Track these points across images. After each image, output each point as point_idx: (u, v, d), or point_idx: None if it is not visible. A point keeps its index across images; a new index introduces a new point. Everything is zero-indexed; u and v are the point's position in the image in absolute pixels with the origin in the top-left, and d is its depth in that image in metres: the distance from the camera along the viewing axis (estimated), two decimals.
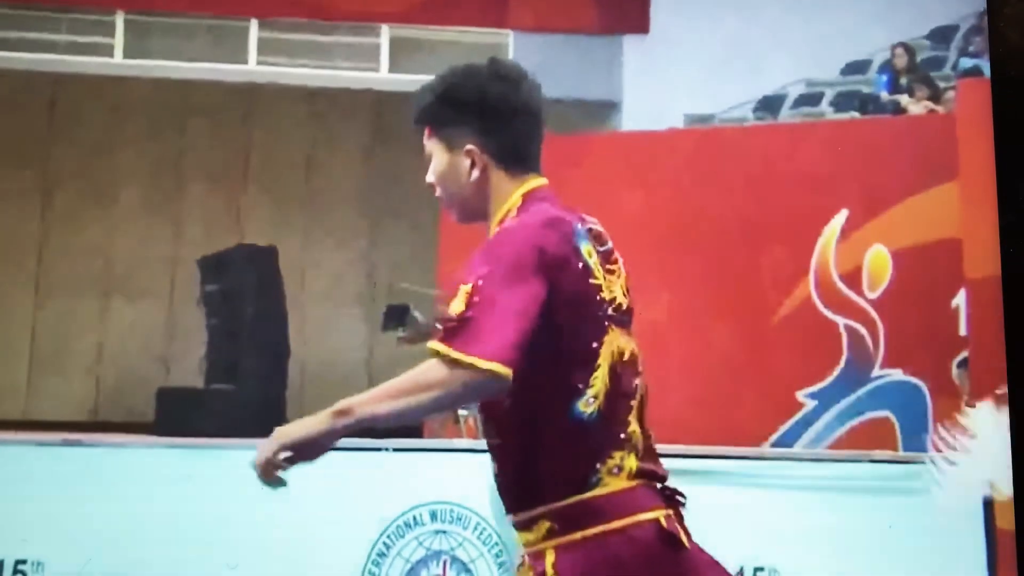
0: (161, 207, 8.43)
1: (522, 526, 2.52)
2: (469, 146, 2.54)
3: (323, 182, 8.63)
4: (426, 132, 2.59)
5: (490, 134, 2.54)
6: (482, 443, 2.61)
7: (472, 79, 2.57)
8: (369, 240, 8.57)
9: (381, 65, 7.50)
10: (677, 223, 6.71)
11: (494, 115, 2.55)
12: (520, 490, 2.52)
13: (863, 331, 6.54)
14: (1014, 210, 4.80)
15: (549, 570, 2.45)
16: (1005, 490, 4.86)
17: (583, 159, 6.83)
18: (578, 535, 2.47)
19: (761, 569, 4.95)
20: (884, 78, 7.19)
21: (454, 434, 6.09)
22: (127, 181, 8.36)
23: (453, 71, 2.60)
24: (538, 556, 2.48)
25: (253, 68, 7.48)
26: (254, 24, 7.42)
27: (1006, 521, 4.96)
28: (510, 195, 2.56)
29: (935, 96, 6.98)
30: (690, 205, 6.76)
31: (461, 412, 6.00)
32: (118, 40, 7.33)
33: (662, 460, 5.06)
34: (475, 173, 2.55)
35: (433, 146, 2.58)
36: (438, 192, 2.59)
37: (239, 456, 4.65)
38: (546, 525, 2.50)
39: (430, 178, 2.60)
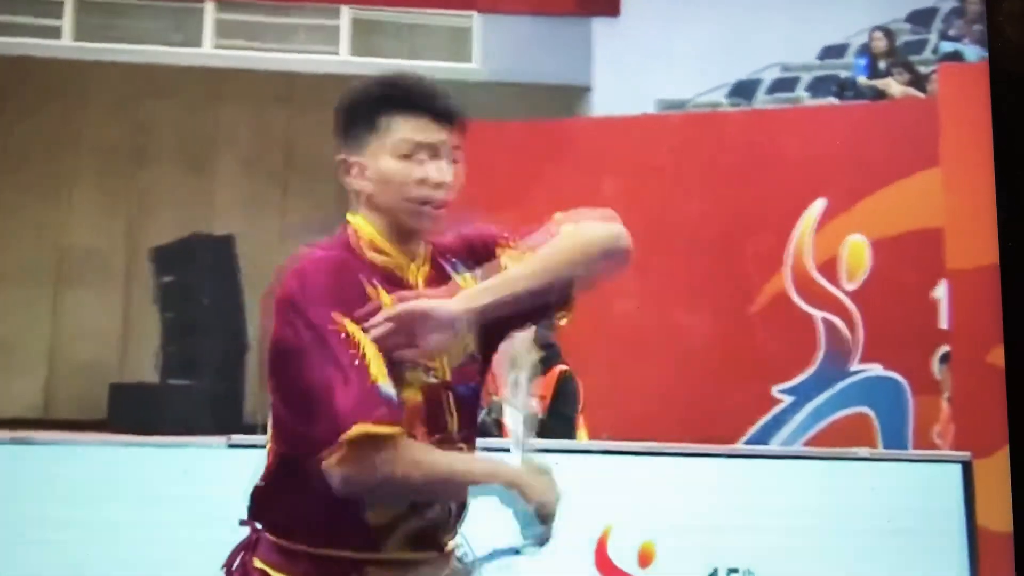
0: (118, 194, 8.26)
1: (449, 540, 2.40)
2: None
3: (291, 168, 8.47)
4: (454, 133, 2.33)
5: None
6: None
7: None
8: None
9: (342, 48, 7.35)
10: (649, 212, 6.56)
11: None
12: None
13: (840, 324, 6.44)
14: (1013, 205, 4.74)
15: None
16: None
17: (554, 146, 6.74)
18: None
19: (735, 570, 4.83)
20: (862, 62, 7.07)
21: None
22: (82, 167, 8.19)
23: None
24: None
25: (210, 51, 7.33)
26: (210, 5, 7.25)
27: (989, 520, 4.87)
28: None
29: (915, 81, 6.89)
30: (662, 193, 6.65)
31: None
32: (67, 22, 7.19)
33: (633, 457, 4.97)
34: None
35: (457, 148, 2.35)
36: (448, 194, 2.33)
37: (195, 453, 4.58)
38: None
39: (452, 179, 2.34)
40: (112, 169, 8.23)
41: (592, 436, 5.75)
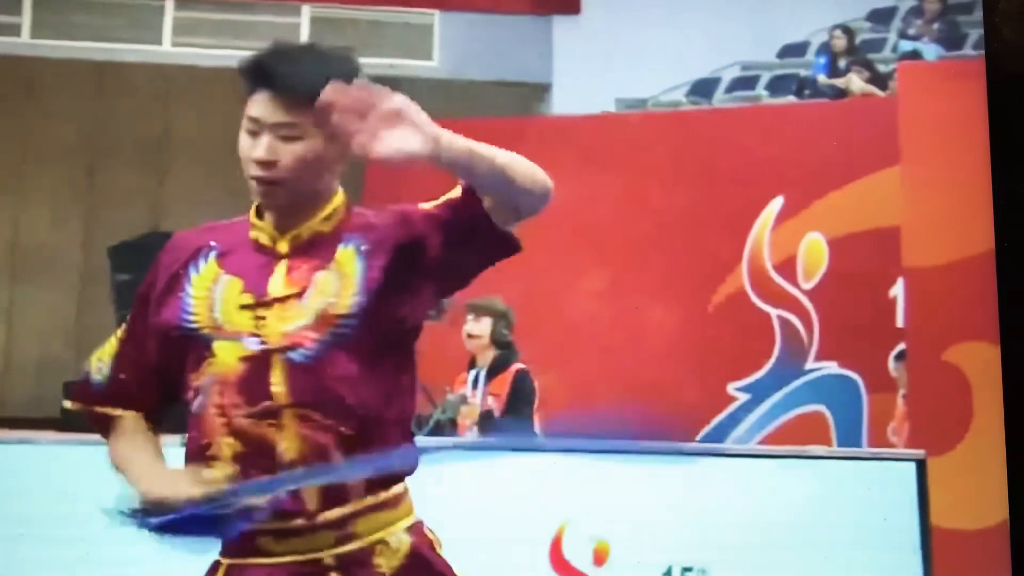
0: (74, 192, 8.19)
1: (386, 505, 2.33)
2: None
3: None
4: (286, 101, 2.26)
5: None
6: None
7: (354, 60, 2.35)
8: None
9: None
10: (608, 210, 6.55)
11: None
12: None
13: (797, 322, 6.42)
14: (1010, 208, 4.75)
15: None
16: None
17: (513, 144, 6.68)
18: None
19: (689, 569, 4.84)
20: (822, 61, 7.06)
21: None
22: (38, 164, 8.11)
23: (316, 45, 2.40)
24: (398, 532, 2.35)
25: (169, 49, 7.28)
26: (170, 3, 7.20)
27: (943, 518, 4.91)
28: (336, 192, 2.37)
29: (875, 79, 6.87)
30: (621, 191, 6.61)
31: None
32: (25, 19, 7.13)
33: (588, 455, 4.97)
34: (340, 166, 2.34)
35: (307, 123, 2.24)
36: (277, 173, 2.28)
37: None
38: (409, 495, 2.38)
39: (281, 157, 2.27)
40: (69, 166, 8.15)
41: (548, 434, 5.74)
